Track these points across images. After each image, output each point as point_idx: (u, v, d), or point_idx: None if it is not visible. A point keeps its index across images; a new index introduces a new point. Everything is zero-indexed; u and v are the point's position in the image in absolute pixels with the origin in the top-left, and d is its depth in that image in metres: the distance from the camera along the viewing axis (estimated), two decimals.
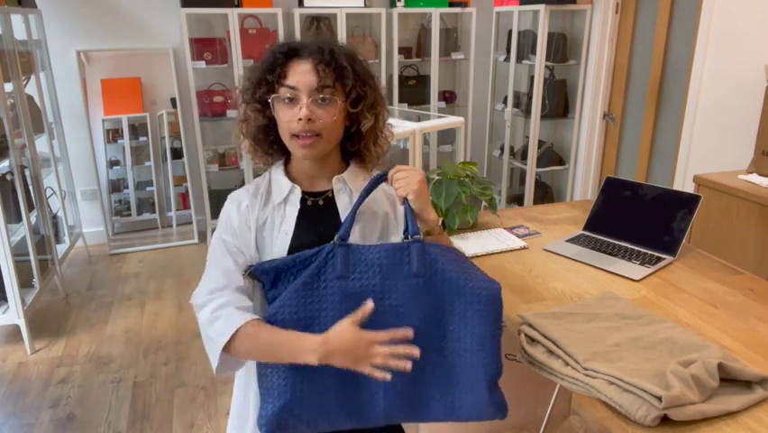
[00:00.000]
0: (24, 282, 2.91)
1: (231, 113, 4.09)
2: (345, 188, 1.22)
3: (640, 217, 1.80)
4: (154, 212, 4.30)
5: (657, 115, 3.49)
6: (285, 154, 1.24)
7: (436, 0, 4.19)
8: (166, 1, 3.95)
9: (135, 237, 4.28)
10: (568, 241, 1.83)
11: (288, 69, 1.13)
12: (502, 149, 4.51)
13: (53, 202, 3.68)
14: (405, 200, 1.15)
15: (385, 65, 4.25)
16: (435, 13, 4.18)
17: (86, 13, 3.85)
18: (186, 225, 4.39)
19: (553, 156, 4.28)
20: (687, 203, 1.73)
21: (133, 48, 3.98)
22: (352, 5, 4.02)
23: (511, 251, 1.79)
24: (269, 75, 1.14)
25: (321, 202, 1.22)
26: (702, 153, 3.02)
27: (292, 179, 1.22)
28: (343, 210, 1.21)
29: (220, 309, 1.09)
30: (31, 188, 3.15)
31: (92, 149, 3.94)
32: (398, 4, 4.15)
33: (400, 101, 4.36)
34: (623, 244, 1.79)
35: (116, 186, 4.18)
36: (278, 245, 1.16)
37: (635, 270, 1.62)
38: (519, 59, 4.18)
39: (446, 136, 4.55)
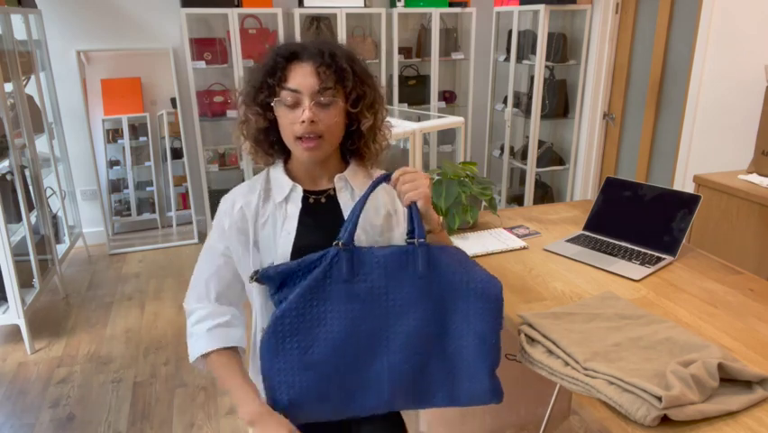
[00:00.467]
0: (24, 282, 2.91)
1: (231, 113, 4.09)
2: (347, 186, 1.23)
3: (640, 217, 1.80)
4: (154, 212, 4.30)
5: (657, 115, 3.48)
6: (285, 154, 1.25)
7: (436, 0, 4.19)
8: (166, 1, 3.95)
9: (135, 237, 4.28)
10: (568, 241, 1.83)
11: (288, 72, 1.13)
12: (502, 149, 4.51)
13: (53, 202, 3.68)
14: (413, 203, 1.14)
15: (385, 65, 4.25)
16: (435, 13, 4.18)
17: (86, 13, 3.85)
18: (186, 225, 4.39)
19: (553, 156, 4.28)
20: (687, 203, 1.73)
21: (133, 48, 3.98)
22: (352, 5, 4.02)
23: (511, 251, 1.79)
24: (269, 78, 1.14)
25: (323, 200, 1.22)
26: (702, 153, 3.02)
27: (292, 178, 1.22)
28: (346, 208, 1.21)
29: (198, 324, 1.20)
30: (31, 188, 3.15)
31: (92, 149, 3.94)
32: (398, 4, 4.15)
33: (400, 101, 4.36)
34: (623, 243, 1.79)
35: (116, 186, 4.18)
36: (282, 245, 1.17)
37: (634, 270, 1.62)
38: (519, 59, 4.18)
39: (446, 136, 4.55)
